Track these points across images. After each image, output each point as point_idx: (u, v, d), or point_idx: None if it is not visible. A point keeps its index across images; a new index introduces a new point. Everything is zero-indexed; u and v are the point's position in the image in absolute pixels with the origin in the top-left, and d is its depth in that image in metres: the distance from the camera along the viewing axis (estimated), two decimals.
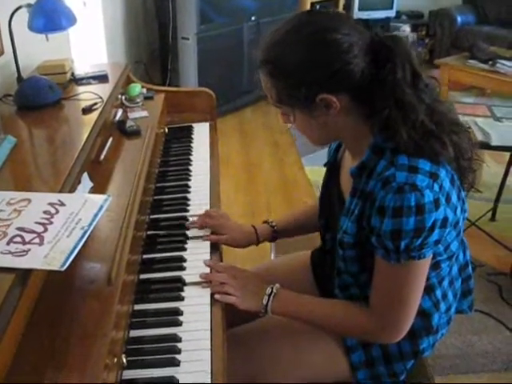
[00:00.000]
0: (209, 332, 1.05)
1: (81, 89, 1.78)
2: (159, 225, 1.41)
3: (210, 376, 0.95)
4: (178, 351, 1.00)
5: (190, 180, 1.63)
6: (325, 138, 1.15)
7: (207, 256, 1.28)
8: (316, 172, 3.36)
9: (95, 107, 1.61)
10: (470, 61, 4.28)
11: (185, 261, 1.26)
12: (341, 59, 0.98)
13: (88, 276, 1.01)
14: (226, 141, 3.79)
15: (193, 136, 1.93)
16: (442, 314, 1.20)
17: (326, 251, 1.31)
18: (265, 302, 1.15)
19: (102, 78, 1.88)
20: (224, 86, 4.07)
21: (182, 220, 1.42)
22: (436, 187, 0.97)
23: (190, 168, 1.70)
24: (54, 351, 0.83)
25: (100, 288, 0.97)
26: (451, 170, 1.05)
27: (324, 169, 1.31)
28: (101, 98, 1.67)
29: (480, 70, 4.19)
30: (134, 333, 1.05)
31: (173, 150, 1.83)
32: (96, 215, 1.01)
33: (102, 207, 1.03)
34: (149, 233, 1.36)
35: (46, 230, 0.95)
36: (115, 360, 0.89)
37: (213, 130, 1.99)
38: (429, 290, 1.13)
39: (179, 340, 1.03)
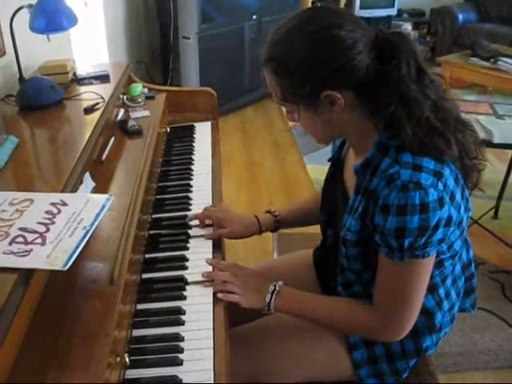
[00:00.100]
0: (211, 331, 1.05)
1: (82, 89, 1.78)
2: (161, 224, 1.41)
3: (212, 375, 0.95)
4: (181, 350, 1.00)
5: (191, 179, 1.63)
6: (329, 135, 1.15)
7: (209, 255, 1.28)
8: (318, 170, 3.36)
9: (97, 107, 1.61)
10: (472, 58, 4.27)
11: (187, 260, 1.26)
12: (345, 55, 0.98)
13: (90, 276, 1.01)
14: (228, 140, 3.79)
15: (194, 135, 1.93)
16: (445, 313, 1.19)
17: (329, 249, 1.31)
18: (268, 299, 1.15)
19: (103, 78, 1.88)
20: (225, 85, 4.07)
21: (184, 219, 1.42)
22: (440, 186, 0.97)
23: (192, 167, 1.70)
24: (57, 351, 0.83)
25: (102, 287, 0.97)
26: (455, 169, 1.05)
27: (326, 167, 1.31)
28: (102, 97, 1.67)
29: (482, 68, 4.18)
30: (137, 332, 1.05)
31: (175, 150, 1.83)
32: (98, 215, 1.01)
33: (104, 207, 1.03)
34: (151, 232, 1.36)
35: (48, 230, 0.95)
36: (118, 359, 0.89)
37: (214, 129, 1.99)
38: (432, 288, 1.13)
39: (182, 339, 1.03)
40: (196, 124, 2.01)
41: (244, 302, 1.15)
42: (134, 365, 0.96)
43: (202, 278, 1.19)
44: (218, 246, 1.33)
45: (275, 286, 1.17)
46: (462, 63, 4.35)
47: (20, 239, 0.93)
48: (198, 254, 1.28)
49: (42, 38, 1.73)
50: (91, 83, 1.84)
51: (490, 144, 2.52)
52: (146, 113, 1.82)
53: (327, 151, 1.34)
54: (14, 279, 0.83)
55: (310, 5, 4.94)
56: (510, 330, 2.16)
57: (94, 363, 0.81)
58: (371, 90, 1.01)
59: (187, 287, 1.17)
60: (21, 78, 1.74)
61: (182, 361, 0.98)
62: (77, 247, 0.91)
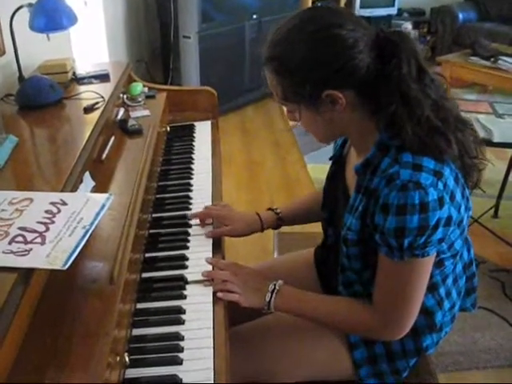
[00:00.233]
0: (211, 330, 1.05)
1: (82, 88, 1.78)
2: (161, 223, 1.41)
3: (212, 374, 0.95)
4: (181, 350, 1.00)
5: (192, 178, 1.63)
6: (330, 134, 1.15)
7: (209, 254, 1.28)
8: (319, 169, 3.36)
9: (97, 106, 1.61)
10: (472, 58, 4.27)
11: (187, 259, 1.26)
12: (346, 55, 0.98)
13: (90, 275, 1.01)
14: (228, 139, 3.79)
15: (195, 134, 1.93)
16: (445, 312, 1.19)
17: (329, 248, 1.31)
18: (267, 298, 1.15)
19: (103, 77, 1.88)
20: (226, 85, 4.07)
21: (184, 219, 1.42)
22: (440, 185, 0.97)
23: (192, 166, 1.70)
24: (57, 350, 0.83)
25: (102, 287, 0.97)
26: (455, 169, 1.04)
27: (327, 166, 1.31)
28: (102, 97, 1.67)
29: (482, 67, 4.17)
30: (137, 331, 1.05)
31: (175, 149, 1.83)
32: (98, 214, 1.01)
33: (103, 206, 1.03)
34: (151, 231, 1.36)
35: (47, 229, 0.95)
36: (118, 359, 0.89)
37: (215, 129, 1.99)
38: (432, 288, 1.13)
39: (182, 338, 1.03)
40: (196, 123, 2.01)
41: (244, 301, 1.15)
42: (134, 364, 0.96)
43: (201, 277, 1.19)
44: (217, 245, 1.33)
45: (275, 285, 1.17)
46: (462, 62, 4.34)
47: (20, 238, 0.92)
48: (198, 253, 1.28)
49: (41, 37, 1.73)
50: (91, 82, 1.84)
51: (489, 143, 2.52)
52: (146, 112, 1.82)
53: (328, 150, 1.34)
54: (14, 279, 0.83)
55: (310, 4, 4.94)
56: (511, 328, 2.16)
57: (94, 362, 0.81)
58: (372, 90, 1.01)
59: (187, 286, 1.17)
60: (20, 77, 1.74)
61: (182, 360, 0.98)
62: (76, 246, 0.91)
